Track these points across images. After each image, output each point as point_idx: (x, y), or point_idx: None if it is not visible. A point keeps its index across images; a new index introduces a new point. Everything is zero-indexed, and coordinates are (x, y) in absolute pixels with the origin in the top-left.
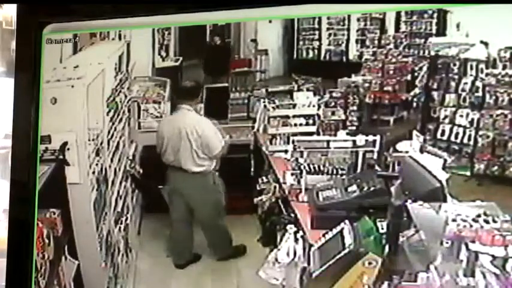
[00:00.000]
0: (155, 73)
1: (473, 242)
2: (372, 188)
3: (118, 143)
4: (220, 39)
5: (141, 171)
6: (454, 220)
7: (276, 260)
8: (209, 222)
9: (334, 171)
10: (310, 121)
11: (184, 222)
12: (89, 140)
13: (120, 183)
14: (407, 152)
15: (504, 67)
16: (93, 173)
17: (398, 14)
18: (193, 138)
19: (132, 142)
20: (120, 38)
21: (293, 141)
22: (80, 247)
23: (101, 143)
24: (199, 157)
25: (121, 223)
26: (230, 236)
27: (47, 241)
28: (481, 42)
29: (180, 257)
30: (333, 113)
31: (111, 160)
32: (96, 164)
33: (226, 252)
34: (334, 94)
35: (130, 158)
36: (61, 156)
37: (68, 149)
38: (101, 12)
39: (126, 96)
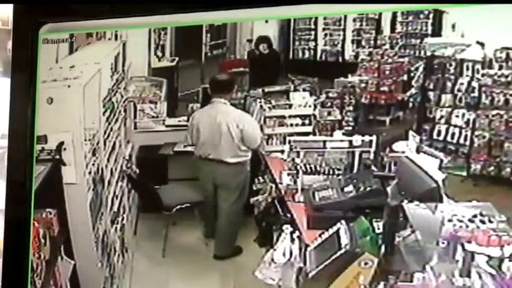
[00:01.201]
0: (151, 73)
1: (469, 242)
2: (368, 188)
3: (114, 143)
4: (268, 47)
5: (137, 171)
6: (450, 220)
7: (272, 260)
8: (232, 207)
9: (331, 172)
10: (307, 121)
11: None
12: (85, 140)
13: (117, 183)
14: (403, 152)
15: (500, 67)
16: (90, 173)
17: (394, 14)
18: (234, 132)
19: (128, 142)
20: (116, 38)
21: (289, 142)
22: (76, 247)
23: (97, 143)
24: (240, 149)
25: (117, 223)
26: (236, 236)
27: (43, 241)
28: (477, 42)
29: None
30: (329, 113)
31: (108, 160)
32: (93, 164)
33: (228, 249)
34: (330, 94)
35: (127, 158)
36: (57, 156)
37: (65, 149)
38: (97, 12)
39: (122, 96)
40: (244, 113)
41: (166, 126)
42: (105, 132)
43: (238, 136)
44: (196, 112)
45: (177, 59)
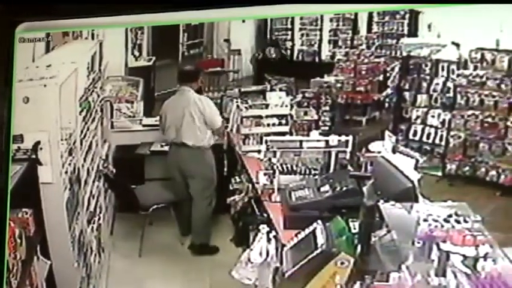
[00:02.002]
0: (128, 73)
1: (444, 242)
2: (345, 188)
3: (91, 142)
4: (276, 51)
5: (114, 171)
6: (425, 220)
7: (249, 260)
8: (202, 194)
9: (307, 171)
10: (283, 121)
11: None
12: (62, 140)
13: (93, 182)
14: (379, 152)
15: (475, 68)
16: (66, 172)
17: (370, 14)
18: (196, 115)
19: (105, 142)
20: (93, 37)
21: (266, 141)
22: (53, 247)
23: (74, 143)
24: (201, 132)
25: (94, 223)
26: (211, 226)
27: (19, 241)
28: (453, 43)
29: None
30: (306, 113)
31: (84, 160)
32: (69, 164)
33: (205, 237)
34: (306, 94)
35: (103, 157)
36: (33, 156)
37: (41, 148)
38: (74, 11)
39: (98, 96)
40: (205, 97)
41: (143, 125)
42: (81, 132)
43: (200, 118)
44: (166, 101)
45: (154, 58)
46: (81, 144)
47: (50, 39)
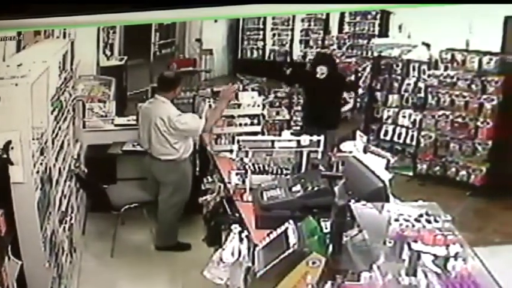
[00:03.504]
0: (100, 72)
1: (415, 241)
2: (316, 188)
3: (63, 142)
4: (327, 70)
5: (85, 170)
6: (396, 220)
7: (221, 259)
8: (168, 201)
9: (279, 171)
10: (255, 121)
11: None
12: (33, 139)
13: (65, 182)
14: (351, 152)
15: (446, 68)
16: (38, 172)
17: (342, 15)
18: (166, 132)
19: (76, 141)
20: (64, 36)
21: (238, 141)
22: (24, 247)
23: (46, 142)
24: (173, 146)
25: (65, 223)
26: (176, 230)
27: None
28: (423, 43)
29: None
30: (278, 113)
31: (56, 159)
32: (41, 163)
33: (169, 241)
34: (278, 94)
35: (75, 157)
36: (5, 155)
37: (12, 148)
38: (45, 10)
39: (70, 95)
40: (178, 114)
41: (115, 125)
42: (53, 131)
43: (175, 134)
44: (142, 105)
45: (126, 57)
46: (53, 143)
47: (21, 38)
